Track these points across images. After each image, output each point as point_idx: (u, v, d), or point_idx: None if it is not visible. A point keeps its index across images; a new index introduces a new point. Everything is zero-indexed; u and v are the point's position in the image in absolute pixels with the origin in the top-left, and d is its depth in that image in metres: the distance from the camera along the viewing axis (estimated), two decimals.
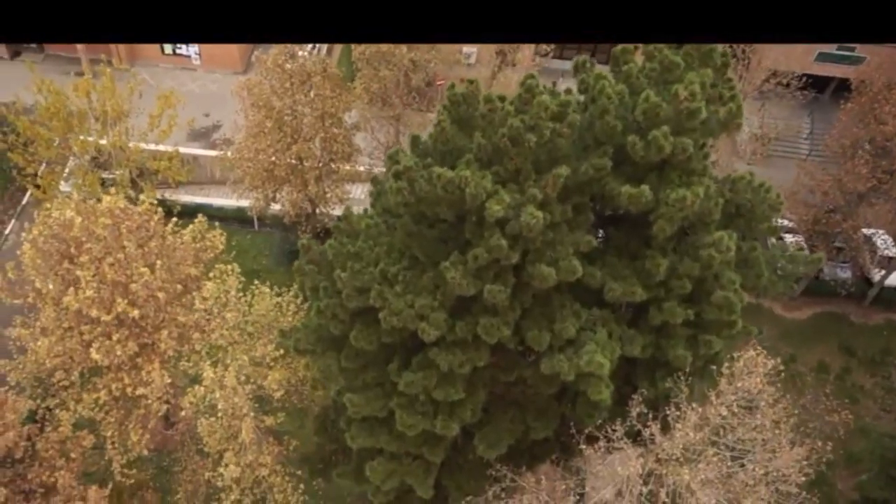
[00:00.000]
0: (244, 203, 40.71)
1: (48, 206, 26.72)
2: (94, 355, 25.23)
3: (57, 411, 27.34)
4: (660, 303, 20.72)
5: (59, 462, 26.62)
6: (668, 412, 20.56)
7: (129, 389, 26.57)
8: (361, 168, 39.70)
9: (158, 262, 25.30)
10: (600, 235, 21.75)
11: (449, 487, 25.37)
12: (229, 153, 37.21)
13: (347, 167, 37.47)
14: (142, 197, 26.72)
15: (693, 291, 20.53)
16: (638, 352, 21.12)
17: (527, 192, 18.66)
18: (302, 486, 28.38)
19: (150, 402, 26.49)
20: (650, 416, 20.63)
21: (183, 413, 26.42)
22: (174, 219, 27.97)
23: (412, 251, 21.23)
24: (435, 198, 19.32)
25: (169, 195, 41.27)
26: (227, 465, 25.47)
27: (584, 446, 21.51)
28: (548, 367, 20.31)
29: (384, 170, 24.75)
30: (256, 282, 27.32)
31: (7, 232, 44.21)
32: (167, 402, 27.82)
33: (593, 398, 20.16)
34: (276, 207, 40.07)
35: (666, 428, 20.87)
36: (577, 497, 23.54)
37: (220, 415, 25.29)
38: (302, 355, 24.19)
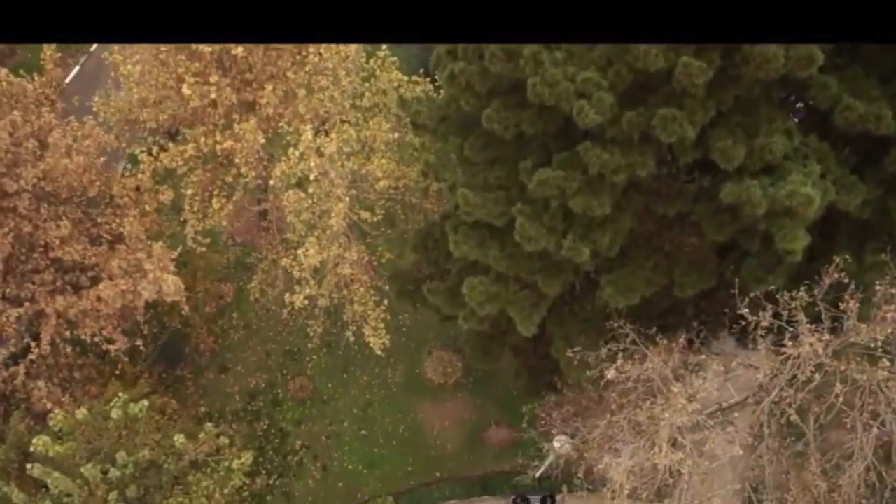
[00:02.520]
0: None
1: None
2: (186, 91, 21.77)
3: (139, 153, 24.50)
4: None
5: (132, 211, 23.98)
6: (877, 290, 15.36)
7: (218, 147, 23.24)
8: None
9: None
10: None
11: (555, 334, 21.08)
12: None
13: None
14: None
15: None
16: (855, 206, 15.79)
17: None
18: (386, 302, 24.75)
19: (238, 163, 23.10)
20: (850, 290, 15.47)
21: (272, 183, 22.82)
22: None
23: None
24: None
25: None
26: (307, 251, 21.91)
27: (745, 310, 16.58)
28: (732, 195, 15.29)
29: None
30: (385, 46, 22.85)
31: None
32: (258, 176, 24.48)
33: (783, 246, 15.11)
34: None
35: (865, 312, 15.73)
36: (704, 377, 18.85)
37: (311, 190, 21.58)
38: (419, 133, 19.95)
